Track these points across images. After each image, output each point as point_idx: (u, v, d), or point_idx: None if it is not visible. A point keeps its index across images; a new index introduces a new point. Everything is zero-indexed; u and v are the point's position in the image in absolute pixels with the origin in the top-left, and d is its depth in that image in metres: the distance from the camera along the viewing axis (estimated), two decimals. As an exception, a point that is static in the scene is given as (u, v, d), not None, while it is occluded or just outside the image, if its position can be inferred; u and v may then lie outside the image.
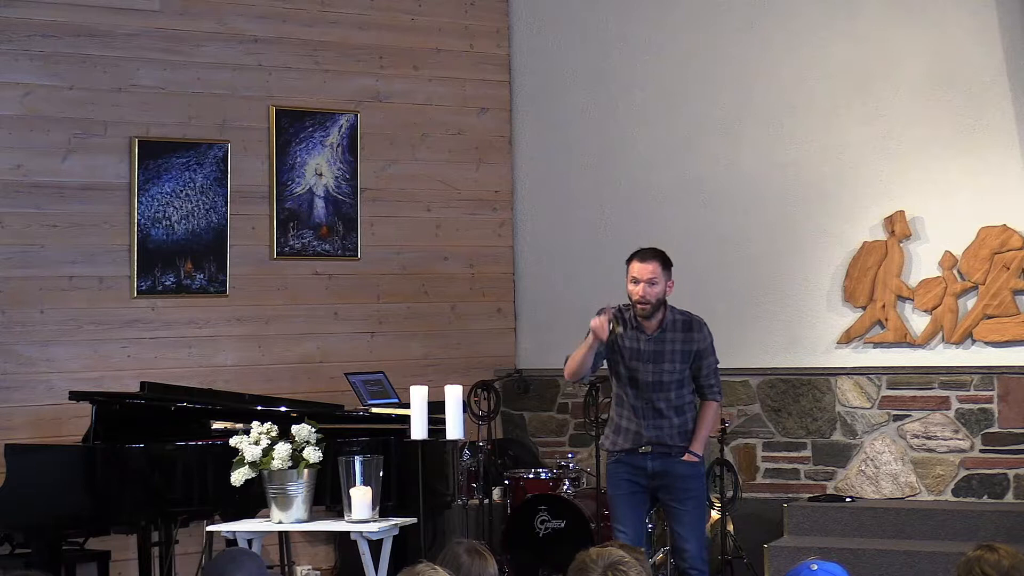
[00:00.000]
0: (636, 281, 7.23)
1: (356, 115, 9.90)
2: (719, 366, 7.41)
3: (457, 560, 4.31)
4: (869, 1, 9.63)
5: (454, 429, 7.31)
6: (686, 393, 7.31)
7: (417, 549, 7.35)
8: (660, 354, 7.28)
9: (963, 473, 9.28)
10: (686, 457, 7.27)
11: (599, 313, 7.15)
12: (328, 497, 7.62)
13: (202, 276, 9.35)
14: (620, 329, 7.21)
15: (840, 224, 9.63)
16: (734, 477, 9.08)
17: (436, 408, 7.36)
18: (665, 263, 7.30)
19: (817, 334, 9.67)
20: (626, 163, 10.25)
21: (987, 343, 9.27)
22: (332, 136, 9.82)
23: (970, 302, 9.32)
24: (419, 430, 7.30)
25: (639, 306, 7.24)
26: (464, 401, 7.63)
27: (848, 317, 9.60)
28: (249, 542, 7.20)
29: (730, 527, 8.88)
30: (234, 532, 7.29)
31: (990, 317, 9.24)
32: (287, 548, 8.89)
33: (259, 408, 8.15)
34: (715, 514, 8.93)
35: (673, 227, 9.96)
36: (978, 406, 9.24)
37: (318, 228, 9.78)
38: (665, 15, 10.16)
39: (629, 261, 7.27)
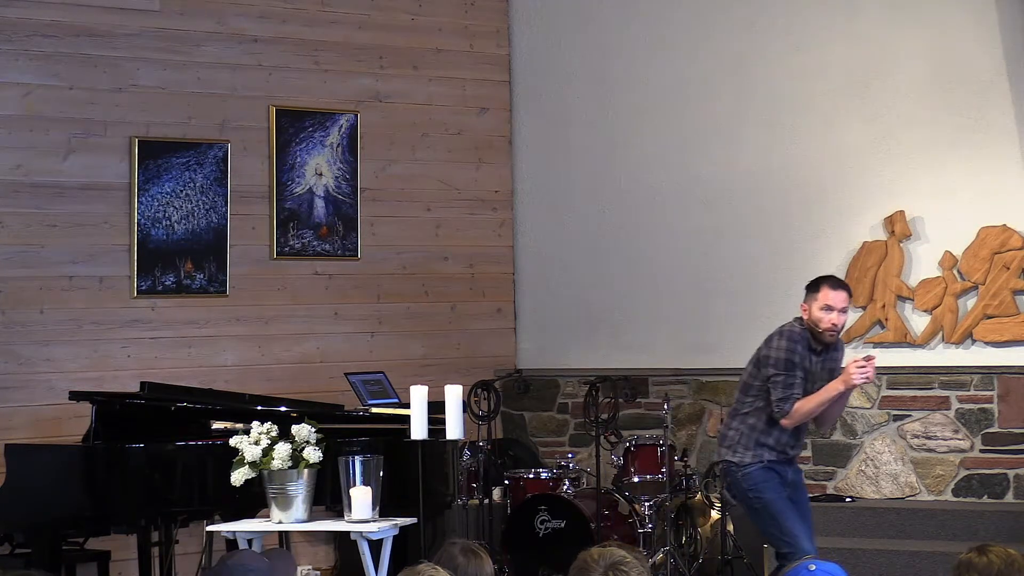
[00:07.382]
0: (830, 309, 7.22)
1: (356, 115, 9.90)
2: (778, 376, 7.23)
3: (453, 560, 4.31)
4: (869, 1, 9.62)
5: (454, 429, 7.32)
6: (746, 399, 7.32)
7: (417, 549, 7.35)
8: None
9: (963, 473, 9.27)
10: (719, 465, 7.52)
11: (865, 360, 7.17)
12: (328, 497, 7.62)
13: (202, 276, 9.35)
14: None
15: (840, 224, 9.62)
16: (734, 477, 9.06)
17: (436, 408, 7.37)
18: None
19: (817, 334, 9.65)
20: (626, 163, 10.24)
21: (987, 343, 9.26)
22: (332, 136, 9.82)
23: (970, 302, 9.31)
24: (419, 430, 7.30)
25: (828, 334, 7.25)
26: (464, 401, 7.63)
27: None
28: (249, 542, 7.20)
29: (730, 527, 8.87)
30: (234, 532, 7.28)
31: (990, 317, 9.24)
32: (287, 548, 8.87)
33: (259, 408, 8.14)
34: (715, 514, 8.94)
35: (673, 227, 9.96)
36: (978, 406, 9.24)
37: (318, 228, 9.78)
38: (665, 15, 10.15)
39: (816, 287, 7.22)
